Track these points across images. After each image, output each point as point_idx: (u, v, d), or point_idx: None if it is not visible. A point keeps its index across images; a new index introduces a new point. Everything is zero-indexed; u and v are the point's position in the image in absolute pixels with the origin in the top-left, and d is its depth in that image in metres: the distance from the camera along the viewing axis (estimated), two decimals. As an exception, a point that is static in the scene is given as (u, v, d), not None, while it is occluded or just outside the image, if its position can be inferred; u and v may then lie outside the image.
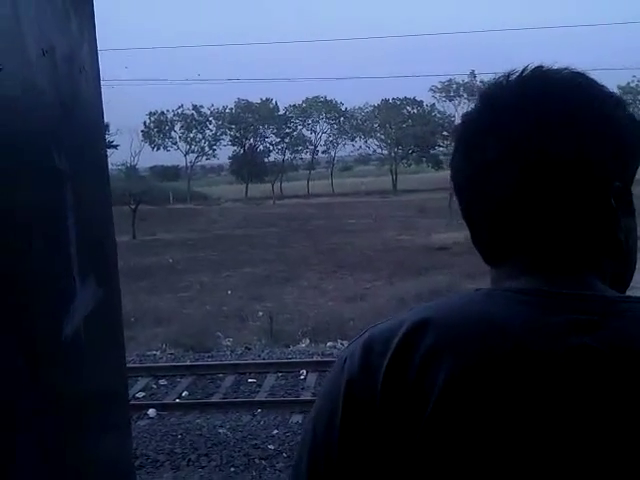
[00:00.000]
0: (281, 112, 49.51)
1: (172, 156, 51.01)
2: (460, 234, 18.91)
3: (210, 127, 49.82)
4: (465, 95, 38.52)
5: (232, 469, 5.19)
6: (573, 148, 0.64)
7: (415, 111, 45.63)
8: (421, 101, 44.68)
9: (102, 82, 1.09)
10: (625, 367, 0.58)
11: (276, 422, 5.99)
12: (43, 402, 0.91)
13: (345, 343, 8.69)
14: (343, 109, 49.95)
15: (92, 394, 1.00)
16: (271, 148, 50.42)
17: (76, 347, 0.94)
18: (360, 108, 49.21)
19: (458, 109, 39.58)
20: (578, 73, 0.69)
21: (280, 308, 10.98)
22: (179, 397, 6.85)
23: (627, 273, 0.71)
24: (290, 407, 6.33)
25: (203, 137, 49.85)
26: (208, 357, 8.17)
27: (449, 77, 38.84)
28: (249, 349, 8.59)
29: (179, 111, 48.96)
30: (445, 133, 41.28)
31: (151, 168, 51.80)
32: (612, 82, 0.70)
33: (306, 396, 6.60)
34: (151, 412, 6.32)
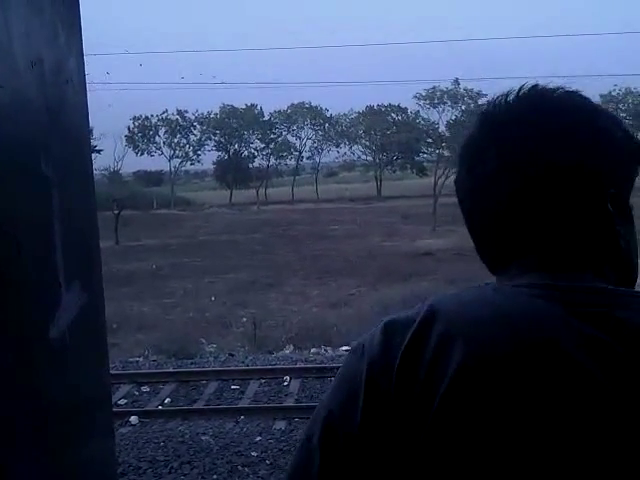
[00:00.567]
0: (266, 118, 49.51)
1: (156, 161, 50.78)
2: (444, 240, 19.06)
3: (194, 132, 49.67)
4: (449, 102, 38.85)
5: (215, 476, 5.17)
6: (575, 158, 0.68)
7: (400, 118, 45.91)
8: (405, 108, 44.99)
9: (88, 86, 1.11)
10: (633, 357, 0.60)
11: (259, 429, 5.98)
12: (27, 409, 0.92)
13: (329, 349, 8.71)
14: (328, 115, 50.13)
15: (76, 400, 1.01)
16: (256, 154, 50.39)
17: (61, 353, 0.95)
18: (345, 114, 49.45)
19: (442, 116, 39.92)
20: (573, 91, 0.73)
21: (264, 314, 10.97)
22: (161, 404, 6.81)
23: (629, 280, 0.73)
24: (273, 414, 6.33)
25: (187, 142, 49.67)
26: (191, 363, 8.14)
27: (433, 84, 39.16)
28: (232, 355, 8.56)
29: (163, 116, 48.77)
30: (429, 140, 41.58)
31: (134, 173, 51.45)
32: (593, 91, 0.74)
33: (289, 402, 6.60)
34: (133, 419, 6.27)
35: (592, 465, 0.58)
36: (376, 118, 45.63)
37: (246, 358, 8.32)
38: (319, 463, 0.65)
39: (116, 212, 23.48)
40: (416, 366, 0.62)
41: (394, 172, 49.51)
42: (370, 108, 46.79)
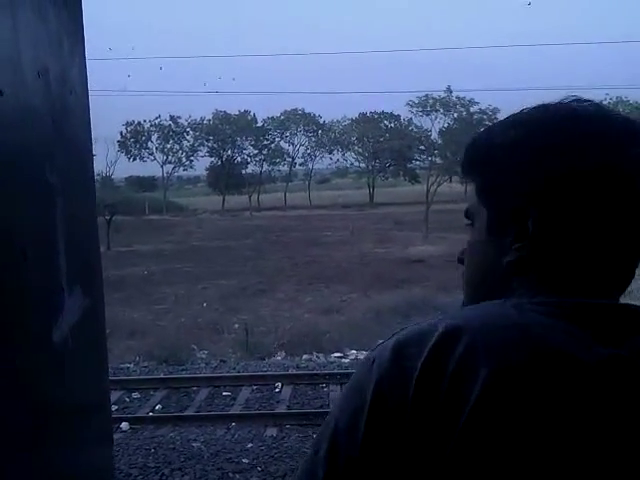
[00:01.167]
0: (259, 124, 49.56)
1: (148, 167, 50.64)
2: (436, 247, 19.12)
3: (187, 138, 49.64)
4: (441, 110, 39.06)
5: (206, 482, 5.15)
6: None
7: (392, 125, 46.09)
8: (398, 115, 45.20)
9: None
10: None
11: (250, 436, 5.96)
12: (29, 411, 0.93)
13: (321, 356, 8.71)
14: (321, 122, 50.25)
15: (77, 403, 1.02)
16: (249, 160, 50.39)
17: (63, 356, 0.97)
18: (338, 121, 49.59)
19: (434, 124, 40.12)
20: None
21: (256, 320, 10.95)
22: (152, 410, 6.77)
23: None
24: (265, 420, 6.31)
25: (180, 148, 49.59)
26: (182, 370, 8.10)
27: (426, 92, 39.37)
28: (224, 362, 8.54)
29: (156, 122, 48.71)
30: (422, 147, 41.75)
31: (126, 179, 51.28)
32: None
33: (281, 409, 6.59)
34: (124, 426, 6.24)
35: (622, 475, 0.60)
36: (369, 125, 45.80)
37: (238, 364, 8.29)
38: (322, 477, 0.65)
39: (108, 217, 23.38)
40: (439, 378, 0.60)
41: (387, 179, 49.65)
42: (363, 115, 46.97)
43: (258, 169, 50.61)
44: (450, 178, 33.81)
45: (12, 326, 0.86)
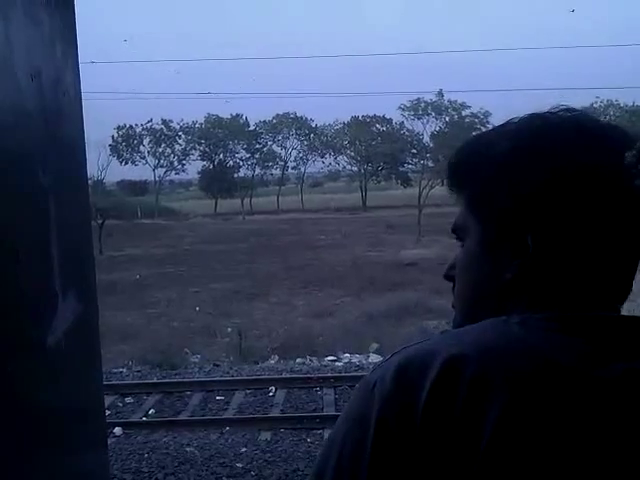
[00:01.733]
0: (251, 128, 49.55)
1: (140, 170, 50.47)
2: (428, 250, 19.17)
3: (179, 142, 49.52)
4: (433, 114, 39.24)
5: (200, 487, 5.13)
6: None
7: (384, 129, 46.21)
8: (390, 119, 45.30)
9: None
10: None
11: (244, 440, 5.95)
12: (23, 416, 0.93)
13: (314, 359, 8.71)
14: (313, 126, 50.31)
15: (71, 408, 1.02)
16: (241, 164, 50.34)
17: (57, 361, 0.96)
18: (330, 125, 49.65)
19: (426, 127, 40.28)
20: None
21: (249, 324, 10.93)
22: (146, 415, 6.74)
23: None
24: (259, 424, 6.30)
25: (172, 152, 49.47)
26: (175, 374, 8.07)
27: (417, 96, 39.55)
28: (217, 366, 8.52)
29: (148, 125, 48.58)
30: (414, 151, 41.90)
31: (118, 183, 51.10)
32: (575, 103, 0.75)
33: (275, 413, 6.58)
34: (117, 430, 6.20)
35: None
36: (361, 129, 45.90)
37: (231, 368, 8.27)
38: None
39: (100, 222, 23.29)
40: (449, 407, 0.59)
41: (379, 182, 49.76)
42: (355, 119, 47.07)
43: (250, 173, 50.62)
44: (442, 181, 33.87)
45: (5, 331, 0.85)
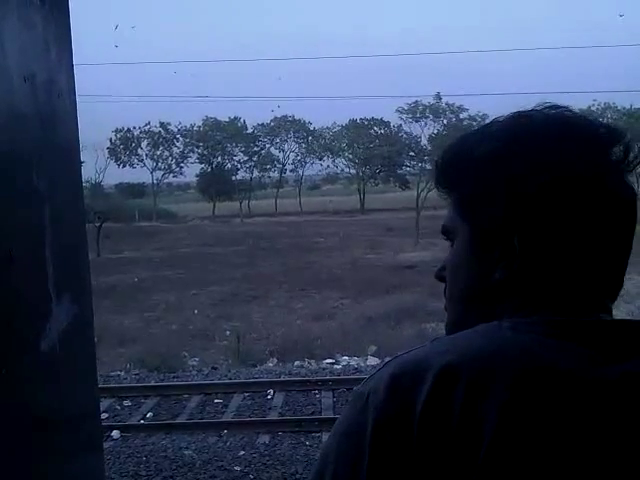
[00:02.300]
0: (249, 130, 49.60)
1: (138, 173, 50.47)
2: (426, 253, 19.19)
3: (177, 145, 49.57)
4: (431, 116, 39.30)
5: (198, 491, 5.11)
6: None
7: (382, 131, 46.28)
8: (388, 122, 45.40)
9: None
10: None
11: (242, 443, 5.93)
12: (17, 420, 0.92)
13: (313, 362, 8.70)
14: (311, 128, 50.38)
15: (65, 412, 1.01)
16: (239, 166, 50.36)
17: (51, 364, 0.96)
18: (328, 128, 49.73)
19: (424, 130, 40.35)
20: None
21: (247, 327, 10.92)
22: (144, 418, 6.73)
23: None
24: (257, 427, 6.29)
25: (170, 154, 49.50)
26: (174, 377, 8.06)
27: (415, 99, 39.63)
28: (215, 369, 8.50)
29: (146, 128, 48.60)
30: (412, 153, 41.96)
31: (116, 185, 51.09)
32: (573, 106, 0.73)
33: (273, 416, 6.57)
34: (115, 434, 6.19)
35: None
36: (359, 131, 45.96)
37: (229, 371, 8.26)
38: None
39: (98, 224, 23.28)
40: (446, 418, 0.58)
41: (377, 185, 49.81)
42: (353, 121, 47.13)
43: (248, 175, 50.63)
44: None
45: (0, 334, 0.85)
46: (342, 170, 51.83)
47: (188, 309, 13.11)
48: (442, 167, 0.73)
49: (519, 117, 0.69)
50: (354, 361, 8.66)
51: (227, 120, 48.56)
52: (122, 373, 8.37)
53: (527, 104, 0.71)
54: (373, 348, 8.99)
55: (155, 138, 48.80)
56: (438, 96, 38.47)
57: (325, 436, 5.70)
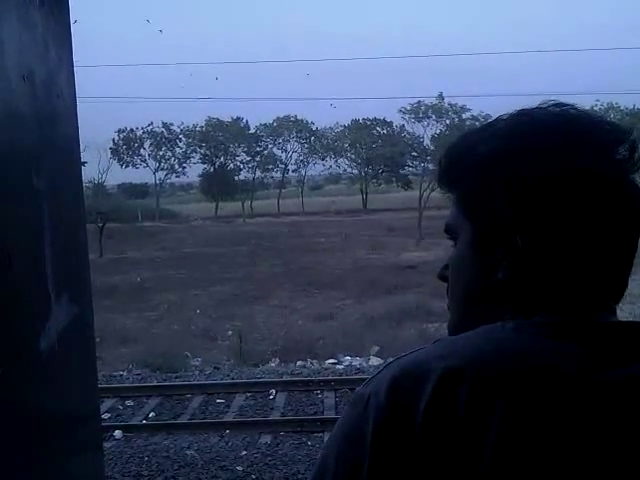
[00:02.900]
0: (252, 131, 49.62)
1: (141, 174, 50.56)
2: (429, 253, 19.18)
3: (180, 145, 49.61)
4: (434, 117, 39.25)
5: (200, 491, 5.11)
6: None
7: (385, 132, 46.25)
8: (391, 122, 45.36)
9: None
10: None
11: (245, 443, 5.93)
12: (17, 420, 0.92)
13: (315, 362, 8.70)
14: (314, 129, 50.36)
15: (65, 412, 1.01)
16: (241, 166, 50.40)
17: (51, 364, 0.96)
18: (330, 128, 49.71)
19: (427, 130, 40.29)
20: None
21: (250, 327, 10.92)
22: (146, 418, 6.73)
23: None
24: (259, 428, 6.29)
25: (173, 155, 49.55)
26: (176, 377, 8.06)
27: (418, 99, 39.58)
28: (218, 369, 8.51)
29: (149, 128, 48.65)
30: (414, 154, 41.92)
31: (119, 186, 51.17)
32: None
33: (275, 416, 6.57)
34: (117, 434, 6.19)
35: None
36: (361, 132, 45.95)
37: (231, 371, 8.26)
38: None
39: (100, 225, 23.31)
40: (448, 421, 0.57)
41: (379, 185, 49.80)
42: (355, 122, 47.12)
43: (251, 176, 50.67)
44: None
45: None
46: (344, 170, 51.87)
47: (190, 309, 13.12)
48: (445, 165, 0.72)
49: (522, 115, 0.69)
50: (356, 361, 8.65)
51: (230, 120, 48.61)
52: (124, 373, 8.38)
53: (531, 104, 0.70)
54: (375, 348, 8.98)
55: (158, 138, 48.86)
56: (441, 96, 38.43)
57: (327, 436, 5.69)
